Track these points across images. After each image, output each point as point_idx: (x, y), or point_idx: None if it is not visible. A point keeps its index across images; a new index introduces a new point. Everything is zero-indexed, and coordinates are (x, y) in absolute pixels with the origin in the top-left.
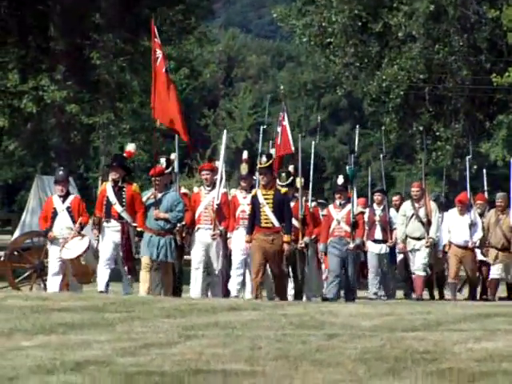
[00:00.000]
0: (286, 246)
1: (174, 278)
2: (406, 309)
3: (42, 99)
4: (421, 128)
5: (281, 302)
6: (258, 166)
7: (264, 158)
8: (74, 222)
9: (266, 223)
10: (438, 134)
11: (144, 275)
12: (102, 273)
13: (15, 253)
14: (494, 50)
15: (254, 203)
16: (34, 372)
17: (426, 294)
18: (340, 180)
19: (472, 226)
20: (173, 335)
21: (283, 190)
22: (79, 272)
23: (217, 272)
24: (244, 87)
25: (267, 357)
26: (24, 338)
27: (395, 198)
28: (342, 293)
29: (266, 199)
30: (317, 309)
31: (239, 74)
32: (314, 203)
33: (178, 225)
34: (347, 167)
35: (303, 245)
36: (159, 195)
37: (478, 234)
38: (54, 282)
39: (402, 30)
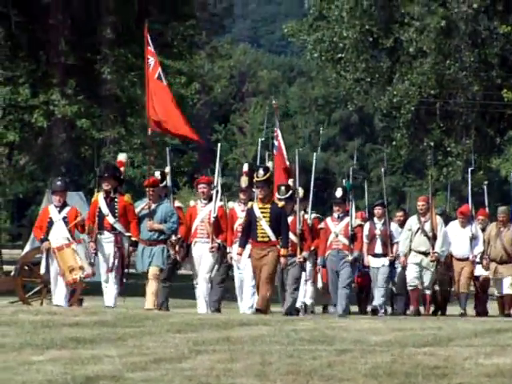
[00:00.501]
0: (282, 260)
1: (168, 288)
2: (417, 324)
3: (52, 114)
4: (431, 143)
5: (291, 318)
6: (255, 179)
7: (261, 172)
8: (70, 232)
9: (263, 237)
10: (448, 149)
11: (149, 286)
12: (111, 289)
13: (25, 267)
14: (504, 65)
15: (251, 216)
16: None
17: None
18: (338, 193)
19: (473, 239)
20: (183, 350)
21: (280, 203)
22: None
23: (206, 281)
24: (255, 102)
25: (278, 372)
26: (35, 353)
27: (399, 213)
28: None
29: (262, 213)
30: (327, 324)
31: (250, 89)
32: (313, 215)
33: (174, 237)
34: (344, 180)
35: (302, 259)
36: (153, 206)
37: (479, 248)
38: (58, 295)
39: (413, 45)
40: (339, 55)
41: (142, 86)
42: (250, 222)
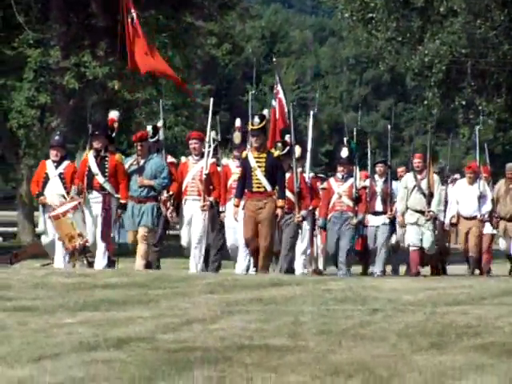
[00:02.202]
0: (279, 211)
1: (158, 252)
2: (449, 283)
3: (83, 76)
4: (463, 102)
5: (324, 278)
6: (250, 127)
7: (256, 119)
8: (66, 189)
9: (258, 187)
10: (480, 108)
11: (138, 249)
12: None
13: None
14: None
15: (245, 166)
16: (77, 349)
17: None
18: (344, 153)
19: (481, 197)
20: (216, 311)
21: (276, 153)
22: (62, 235)
23: (194, 244)
24: (286, 62)
25: (310, 332)
26: (66, 315)
27: (400, 169)
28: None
29: (257, 162)
30: (360, 284)
31: (282, 50)
32: (311, 174)
33: (165, 194)
34: (348, 140)
35: (300, 218)
36: (142, 161)
37: (488, 206)
38: (57, 257)
39: (443, 4)
40: (370, 15)
41: (174, 48)
42: (245, 172)
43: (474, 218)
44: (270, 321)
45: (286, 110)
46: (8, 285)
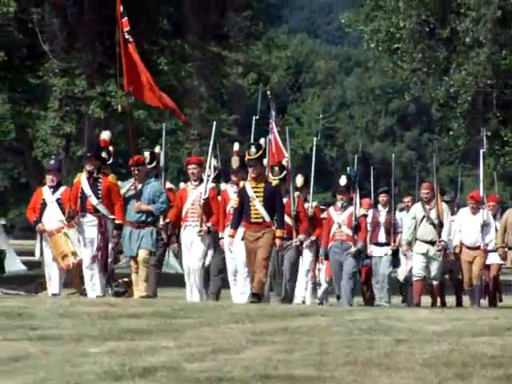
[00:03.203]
0: (278, 242)
1: (158, 275)
2: (474, 314)
3: (109, 105)
4: (488, 133)
5: (349, 308)
6: (247, 157)
7: (253, 149)
8: (64, 214)
9: (256, 218)
10: (505, 139)
11: (135, 278)
12: (87, 275)
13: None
14: None
15: (243, 196)
16: (102, 378)
17: (427, 302)
18: (342, 180)
19: (484, 226)
20: (241, 340)
21: (274, 182)
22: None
23: (196, 266)
24: (312, 93)
25: (336, 362)
26: (92, 344)
27: (406, 199)
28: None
29: (255, 192)
30: (385, 314)
31: (307, 80)
32: (314, 203)
33: (162, 222)
34: (348, 168)
35: (298, 242)
36: (139, 186)
37: (491, 236)
38: (53, 281)
39: (469, 35)
40: (396, 45)
41: (200, 77)
42: (243, 202)
43: (478, 247)
44: (296, 351)
45: (280, 143)
46: (33, 314)
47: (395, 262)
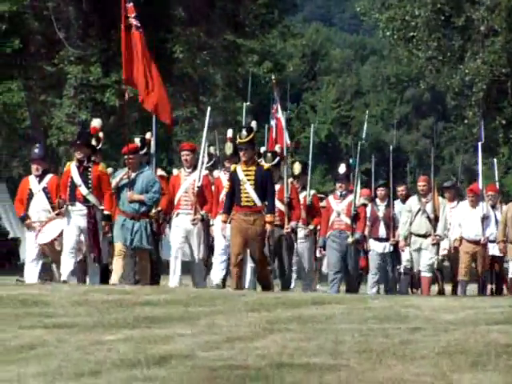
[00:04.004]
0: (268, 227)
1: (151, 266)
2: (489, 302)
3: (124, 93)
4: (503, 122)
5: (364, 296)
6: (238, 140)
7: (244, 132)
8: (52, 203)
9: (247, 201)
10: None
11: (117, 263)
12: (66, 262)
13: (108, 249)
14: None
15: (234, 180)
16: (118, 366)
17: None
18: (341, 168)
19: (484, 219)
20: (256, 329)
21: (266, 165)
22: (57, 258)
23: (197, 260)
24: (327, 81)
25: (351, 350)
26: (107, 332)
27: (401, 188)
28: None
29: (246, 175)
30: (400, 302)
31: (322, 68)
32: (312, 191)
33: (153, 210)
34: (350, 158)
35: (289, 230)
36: (133, 175)
37: (491, 229)
38: (31, 269)
39: (484, 23)
40: (411, 34)
41: (215, 65)
42: (234, 186)
43: (478, 241)
44: (311, 339)
45: (285, 130)
46: (48, 302)
47: (396, 256)
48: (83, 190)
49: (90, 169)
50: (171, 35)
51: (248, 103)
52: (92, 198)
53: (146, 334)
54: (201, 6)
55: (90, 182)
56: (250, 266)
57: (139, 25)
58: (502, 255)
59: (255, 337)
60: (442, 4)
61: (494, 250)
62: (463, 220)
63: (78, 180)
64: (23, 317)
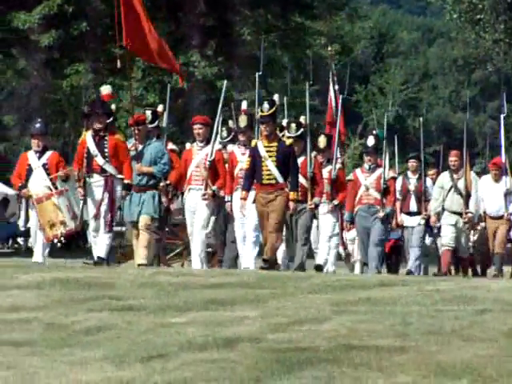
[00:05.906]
0: (291, 205)
1: (159, 241)
2: None
3: (192, 75)
4: None
5: (432, 278)
6: (260, 114)
7: (266, 105)
8: (51, 180)
9: (269, 179)
10: None
11: (135, 244)
12: (102, 241)
13: (166, 229)
14: None
15: (254, 156)
16: (186, 348)
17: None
18: (370, 141)
19: (508, 194)
20: (324, 311)
21: (288, 141)
22: (44, 222)
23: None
24: (395, 63)
25: (418, 332)
26: (175, 315)
27: (431, 171)
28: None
29: (268, 151)
30: (468, 284)
31: (390, 50)
32: (338, 165)
33: (162, 183)
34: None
35: (313, 206)
36: (140, 147)
37: None
38: (37, 252)
39: None
40: (478, 16)
41: (283, 48)
42: (254, 162)
43: (501, 217)
44: (379, 321)
45: (333, 105)
46: (115, 284)
47: (427, 232)
48: (100, 160)
49: (106, 138)
50: (238, 17)
51: (310, 82)
52: (109, 168)
53: (214, 317)
54: None
55: (106, 151)
56: (281, 249)
57: None
58: None
59: (323, 319)
60: None
61: None
62: (485, 195)
63: (94, 150)
64: (90, 300)
